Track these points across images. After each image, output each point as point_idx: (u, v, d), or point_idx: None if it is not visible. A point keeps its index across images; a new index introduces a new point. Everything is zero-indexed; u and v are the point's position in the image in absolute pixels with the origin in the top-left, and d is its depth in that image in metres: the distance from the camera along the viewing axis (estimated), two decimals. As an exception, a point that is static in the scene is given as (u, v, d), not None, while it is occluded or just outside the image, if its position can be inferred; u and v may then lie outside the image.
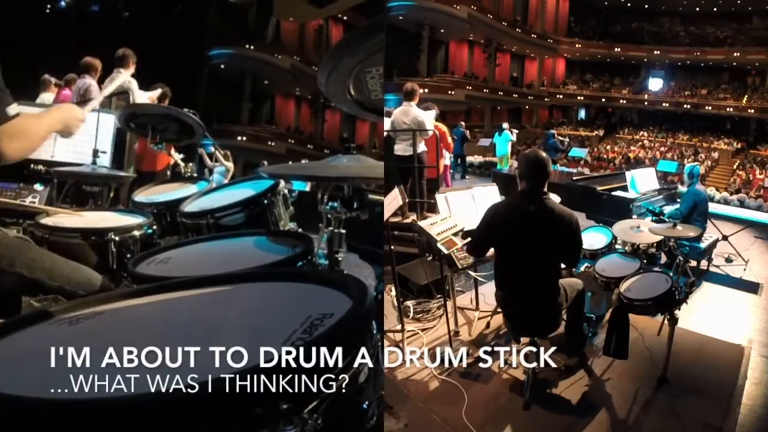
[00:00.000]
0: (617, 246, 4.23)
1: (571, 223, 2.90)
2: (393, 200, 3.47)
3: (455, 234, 3.53)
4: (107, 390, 0.80)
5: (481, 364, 3.47)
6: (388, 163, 5.95)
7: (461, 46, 25.51)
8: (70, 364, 0.98)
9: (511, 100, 26.05)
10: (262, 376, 0.79)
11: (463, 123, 14.28)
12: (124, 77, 5.13)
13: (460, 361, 3.48)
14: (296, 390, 0.81)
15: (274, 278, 1.36)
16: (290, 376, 0.81)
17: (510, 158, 12.73)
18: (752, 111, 22.98)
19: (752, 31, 24.30)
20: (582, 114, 27.77)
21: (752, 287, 5.52)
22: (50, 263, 1.84)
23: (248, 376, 0.78)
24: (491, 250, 3.15)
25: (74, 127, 1.87)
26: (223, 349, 1.01)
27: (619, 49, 26.01)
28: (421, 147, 5.82)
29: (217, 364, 0.89)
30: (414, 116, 5.62)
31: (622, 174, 6.83)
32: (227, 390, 0.75)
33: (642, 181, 6.15)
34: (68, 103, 1.91)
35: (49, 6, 13.93)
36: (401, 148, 5.79)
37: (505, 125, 12.93)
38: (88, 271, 1.95)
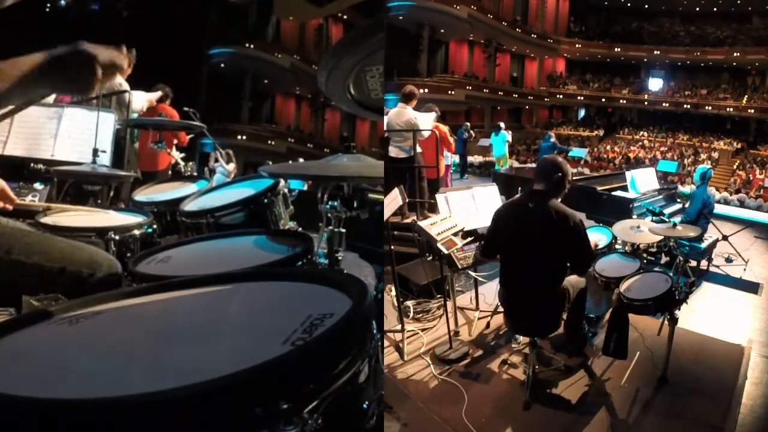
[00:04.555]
0: (617, 246, 4.23)
1: (569, 222, 2.89)
2: (393, 200, 3.47)
3: (455, 234, 3.53)
4: (107, 390, 0.80)
5: (480, 364, 3.48)
6: (389, 163, 5.96)
7: (461, 46, 25.52)
8: (69, 364, 0.97)
9: (511, 100, 26.07)
10: (262, 376, 0.78)
11: (468, 124, 14.30)
12: (117, 79, 5.13)
13: (460, 360, 3.49)
14: (296, 390, 0.80)
15: (274, 278, 1.35)
16: (290, 376, 0.81)
17: (509, 158, 12.73)
18: (752, 111, 22.99)
19: (752, 31, 24.31)
20: (582, 114, 27.78)
21: (752, 287, 5.52)
22: (48, 245, 1.78)
23: (248, 376, 0.78)
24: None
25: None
26: (223, 348, 1.01)
27: (619, 49, 26.03)
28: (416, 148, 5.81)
29: (217, 364, 0.89)
30: (407, 119, 5.59)
31: (622, 174, 6.83)
32: (227, 390, 0.75)
33: (642, 181, 6.16)
34: None
35: (49, 6, 13.92)
36: (394, 150, 5.78)
37: (502, 125, 12.93)
38: (91, 249, 1.89)
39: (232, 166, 3.90)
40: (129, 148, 4.71)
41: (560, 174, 2.96)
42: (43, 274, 1.70)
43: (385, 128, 5.82)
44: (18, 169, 3.30)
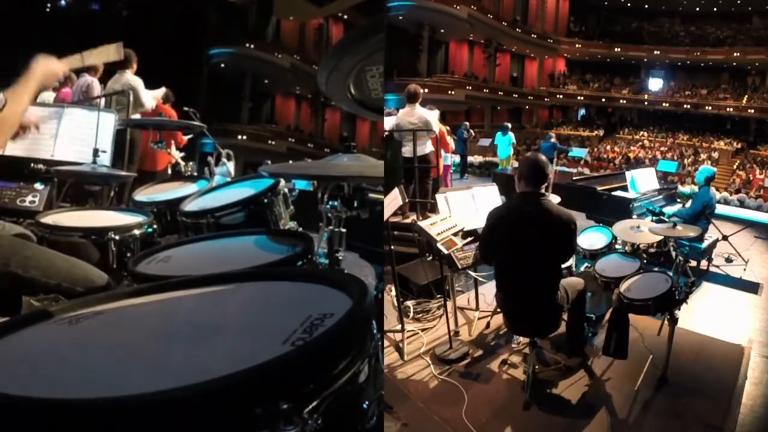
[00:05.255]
0: (617, 246, 4.23)
1: (569, 223, 2.89)
2: (393, 200, 3.47)
3: (455, 234, 3.53)
4: (107, 390, 0.80)
5: (480, 364, 3.48)
6: (390, 163, 5.97)
7: (461, 46, 25.52)
8: (69, 364, 0.97)
9: (511, 100, 26.07)
10: (262, 376, 0.79)
11: (467, 123, 14.32)
12: (128, 77, 5.16)
13: (460, 360, 3.49)
14: (296, 390, 0.80)
15: (275, 278, 1.36)
16: (290, 376, 0.81)
17: (511, 159, 12.75)
18: (752, 111, 22.99)
19: (752, 31, 24.31)
20: (582, 114, 27.79)
21: (752, 287, 5.52)
22: (46, 261, 1.81)
23: (248, 376, 0.78)
24: None
25: (51, 82, 1.87)
26: (223, 348, 1.01)
27: (619, 49, 26.03)
28: (429, 147, 5.83)
29: (217, 364, 0.89)
30: (419, 116, 5.64)
31: (622, 174, 6.83)
32: (227, 390, 0.75)
33: (642, 181, 6.16)
34: (44, 61, 1.86)
35: (49, 6, 13.93)
36: (408, 150, 5.80)
37: (509, 126, 12.97)
38: (87, 267, 1.92)
39: (230, 166, 3.84)
40: (133, 148, 4.71)
41: (547, 173, 2.95)
42: (38, 289, 1.73)
43: (393, 128, 5.84)
44: (18, 169, 3.30)
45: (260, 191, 2.54)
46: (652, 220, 4.55)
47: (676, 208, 6.22)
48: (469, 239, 3.61)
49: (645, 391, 3.15)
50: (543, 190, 2.97)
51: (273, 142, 21.70)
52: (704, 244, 5.51)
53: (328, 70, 1.56)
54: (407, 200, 4.76)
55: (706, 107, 23.96)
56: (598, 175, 9.07)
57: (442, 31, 23.61)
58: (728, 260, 6.23)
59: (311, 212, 2.32)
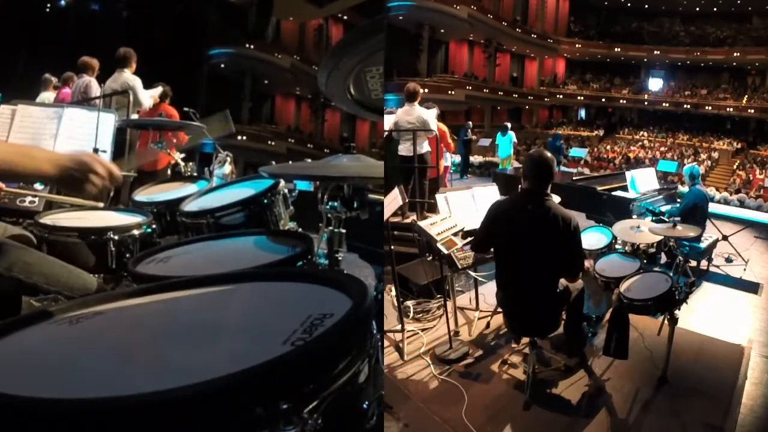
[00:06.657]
0: (617, 246, 4.22)
1: (569, 224, 2.87)
2: (393, 200, 3.47)
3: (455, 234, 3.53)
4: (107, 390, 0.80)
5: (480, 364, 3.48)
6: (390, 163, 5.97)
7: (461, 46, 25.52)
8: (70, 364, 0.97)
9: (511, 100, 26.07)
10: (262, 376, 0.79)
11: (470, 123, 14.36)
12: (126, 76, 5.16)
13: (460, 360, 3.49)
14: (296, 390, 0.80)
15: (274, 278, 1.35)
16: (290, 376, 0.81)
17: (512, 159, 12.77)
18: (752, 111, 23.00)
19: (752, 31, 24.31)
20: (582, 114, 27.79)
21: (752, 287, 5.52)
22: (48, 268, 1.83)
23: (248, 376, 0.78)
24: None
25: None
26: (223, 348, 1.01)
27: (619, 49, 26.04)
28: (425, 147, 5.82)
29: (217, 364, 0.89)
30: (417, 115, 5.64)
31: (622, 174, 6.83)
32: (227, 390, 0.75)
33: (642, 181, 6.15)
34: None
35: (49, 6, 13.93)
36: (405, 148, 5.80)
37: (509, 126, 12.99)
38: (84, 275, 1.95)
39: (228, 169, 3.82)
40: (131, 149, 4.71)
41: (552, 171, 2.94)
42: (39, 293, 1.75)
43: (392, 127, 5.83)
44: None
45: (260, 191, 2.54)
46: (652, 220, 4.55)
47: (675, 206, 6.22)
48: (469, 239, 3.60)
49: (645, 391, 3.15)
50: (548, 189, 2.95)
51: (273, 143, 21.71)
52: (704, 244, 5.50)
53: (327, 70, 1.56)
54: (407, 200, 4.76)
55: (706, 107, 23.97)
56: (598, 175, 9.07)
57: (442, 31, 23.61)
58: (728, 260, 6.22)
59: (311, 213, 2.32)
